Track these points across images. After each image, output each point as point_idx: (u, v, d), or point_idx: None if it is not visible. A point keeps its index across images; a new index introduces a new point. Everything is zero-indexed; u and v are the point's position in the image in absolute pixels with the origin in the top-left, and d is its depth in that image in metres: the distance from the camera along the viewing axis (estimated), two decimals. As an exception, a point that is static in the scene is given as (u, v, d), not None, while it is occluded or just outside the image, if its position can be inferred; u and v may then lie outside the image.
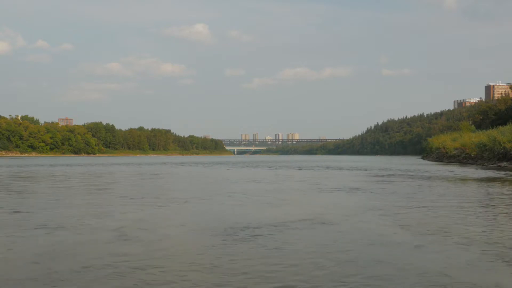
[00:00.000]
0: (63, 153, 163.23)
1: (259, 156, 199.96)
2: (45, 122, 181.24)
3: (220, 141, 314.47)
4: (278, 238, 6.50)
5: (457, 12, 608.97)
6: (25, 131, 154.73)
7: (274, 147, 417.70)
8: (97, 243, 6.17)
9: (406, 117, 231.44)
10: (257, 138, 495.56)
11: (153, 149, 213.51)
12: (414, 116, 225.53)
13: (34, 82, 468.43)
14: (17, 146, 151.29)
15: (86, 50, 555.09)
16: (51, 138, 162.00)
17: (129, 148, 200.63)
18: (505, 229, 7.23)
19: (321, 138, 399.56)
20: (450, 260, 5.28)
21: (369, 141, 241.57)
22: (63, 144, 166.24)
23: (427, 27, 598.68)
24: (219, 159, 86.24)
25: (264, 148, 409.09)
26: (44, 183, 18.31)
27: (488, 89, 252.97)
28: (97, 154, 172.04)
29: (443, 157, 52.78)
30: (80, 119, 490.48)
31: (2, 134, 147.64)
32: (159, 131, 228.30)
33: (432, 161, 55.70)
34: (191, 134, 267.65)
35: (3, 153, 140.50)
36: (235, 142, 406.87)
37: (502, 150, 35.43)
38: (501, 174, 23.20)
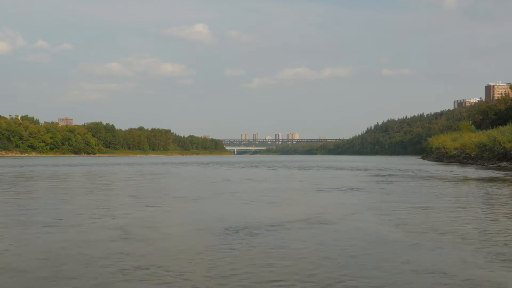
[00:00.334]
0: (63, 153, 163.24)
1: (259, 156, 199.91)
2: (45, 122, 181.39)
3: (220, 141, 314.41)
4: (278, 237, 6.57)
5: (457, 12, 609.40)
6: (25, 131, 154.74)
7: (274, 147, 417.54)
8: (101, 241, 6.26)
9: (406, 117, 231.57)
10: (257, 138, 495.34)
11: (153, 149, 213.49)
12: (414, 116, 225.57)
13: (34, 82, 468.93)
14: (17, 146, 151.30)
15: (86, 50, 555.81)
16: (51, 138, 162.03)
17: (129, 148, 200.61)
18: (502, 228, 7.30)
19: (321, 138, 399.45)
20: (446, 258, 5.35)
21: (369, 141, 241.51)
22: (63, 144, 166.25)
23: (427, 27, 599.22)
24: (219, 159, 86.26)
25: (264, 148, 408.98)
26: (49, 182, 18.38)
27: (488, 89, 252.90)
28: (97, 154, 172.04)
29: (443, 157, 52.82)
30: (80, 119, 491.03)
31: (2, 134, 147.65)
32: (159, 131, 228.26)
33: (432, 161, 55.75)
34: (191, 134, 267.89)
35: (3, 153, 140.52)
36: (235, 142, 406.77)
37: (502, 150, 35.47)
38: (501, 174, 23.26)
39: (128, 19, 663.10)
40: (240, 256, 5.45)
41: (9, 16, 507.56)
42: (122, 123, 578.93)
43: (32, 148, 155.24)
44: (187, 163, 51.02)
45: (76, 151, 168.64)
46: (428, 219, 8.21)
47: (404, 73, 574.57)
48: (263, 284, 4.42)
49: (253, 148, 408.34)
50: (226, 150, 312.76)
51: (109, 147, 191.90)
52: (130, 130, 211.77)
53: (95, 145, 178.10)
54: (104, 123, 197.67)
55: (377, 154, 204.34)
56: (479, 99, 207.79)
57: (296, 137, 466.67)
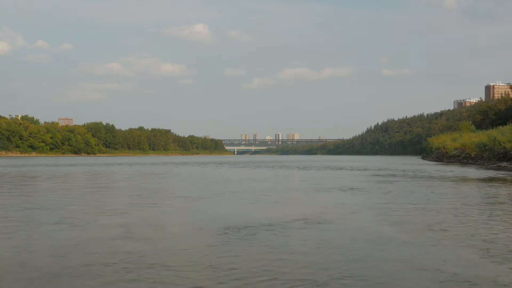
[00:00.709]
0: (63, 153, 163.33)
1: (259, 156, 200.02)
2: (45, 122, 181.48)
3: (220, 141, 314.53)
4: (278, 237, 6.61)
5: (457, 12, 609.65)
6: (25, 131, 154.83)
7: (274, 147, 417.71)
8: (104, 240, 6.33)
9: (406, 117, 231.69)
10: (257, 138, 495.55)
11: (153, 149, 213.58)
12: (414, 116, 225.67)
13: (34, 82, 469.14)
14: (17, 146, 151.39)
15: (86, 50, 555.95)
16: (51, 138, 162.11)
17: (129, 148, 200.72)
18: (501, 227, 7.34)
19: (321, 138, 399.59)
20: (445, 257, 5.40)
21: (369, 141, 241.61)
22: (63, 144, 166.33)
23: (427, 27, 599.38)
24: (219, 159, 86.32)
25: (264, 148, 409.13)
26: (51, 182, 18.42)
27: (488, 89, 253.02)
28: (97, 154, 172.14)
29: (443, 157, 52.87)
30: (80, 119, 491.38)
31: (2, 134, 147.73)
32: (159, 131, 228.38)
33: (432, 161, 55.79)
34: (191, 134, 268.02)
35: (3, 153, 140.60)
36: (235, 142, 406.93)
37: (502, 150, 35.51)
38: (501, 174, 23.30)
39: (128, 19, 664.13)
40: (241, 255, 5.49)
41: (9, 16, 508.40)
42: (122, 123, 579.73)
43: (32, 148, 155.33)
44: (187, 163, 51.07)
45: (76, 151, 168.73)
46: (428, 219, 8.25)
47: (404, 73, 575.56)
48: (263, 283, 4.46)
49: (253, 148, 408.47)
50: (226, 150, 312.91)
51: (109, 147, 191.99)
52: (130, 130, 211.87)
53: (95, 145, 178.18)
54: (104, 123, 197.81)
55: (377, 154, 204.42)
56: (479, 99, 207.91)
57: (296, 137, 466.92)
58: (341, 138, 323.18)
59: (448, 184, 16.86)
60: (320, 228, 7.32)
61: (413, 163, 49.24)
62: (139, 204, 10.58)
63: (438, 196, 12.35)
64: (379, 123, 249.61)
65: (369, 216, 8.67)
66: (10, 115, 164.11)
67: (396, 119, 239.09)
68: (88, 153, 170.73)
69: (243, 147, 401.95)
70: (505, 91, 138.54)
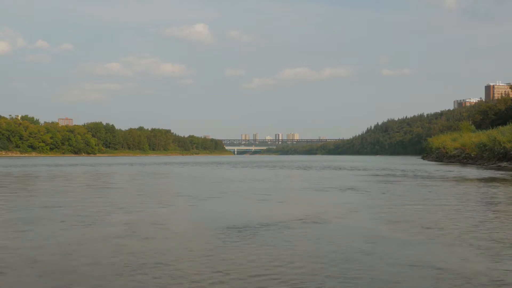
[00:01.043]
0: (63, 153, 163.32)
1: (259, 156, 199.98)
2: (45, 122, 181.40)
3: (220, 141, 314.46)
4: (279, 236, 6.71)
5: (457, 12, 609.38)
6: (25, 131, 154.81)
7: (274, 147, 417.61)
8: (109, 238, 6.44)
9: (406, 117, 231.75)
10: (257, 138, 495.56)
11: (153, 149, 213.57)
12: (414, 116, 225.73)
13: (34, 82, 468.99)
14: (17, 146, 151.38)
15: (86, 50, 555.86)
16: (51, 138, 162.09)
17: (129, 148, 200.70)
18: (500, 226, 7.43)
19: (321, 138, 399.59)
20: (442, 254, 5.49)
21: (369, 141, 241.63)
22: (63, 144, 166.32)
23: (427, 27, 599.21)
24: (219, 159, 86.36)
25: (264, 148, 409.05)
26: (54, 182, 18.51)
27: (488, 89, 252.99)
28: (97, 154, 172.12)
29: (443, 157, 52.93)
30: (80, 119, 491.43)
31: (2, 134, 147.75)
32: (159, 131, 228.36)
33: (432, 161, 55.85)
34: (191, 134, 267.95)
35: (3, 153, 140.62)
36: (235, 142, 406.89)
37: (502, 150, 35.59)
38: (501, 174, 23.37)
39: (128, 19, 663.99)
40: (241, 254, 5.58)
41: (9, 16, 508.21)
42: (122, 123, 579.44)
43: (32, 148, 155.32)
44: (187, 163, 51.13)
45: (76, 151, 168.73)
46: (427, 218, 8.33)
47: (404, 73, 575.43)
48: (263, 282, 4.54)
49: (253, 148, 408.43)
50: (226, 150, 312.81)
51: (109, 147, 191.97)
52: (130, 130, 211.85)
53: (95, 145, 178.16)
54: (104, 123, 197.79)
55: (377, 154, 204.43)
56: (479, 99, 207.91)
57: (296, 137, 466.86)
58: (341, 138, 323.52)
59: (448, 184, 16.93)
60: (320, 228, 7.41)
61: (413, 163, 49.30)
62: (141, 203, 10.67)
63: (437, 196, 12.42)
64: (379, 123, 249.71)
65: (369, 215, 8.76)
66: (10, 115, 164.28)
67: (396, 119, 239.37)
68: (88, 153, 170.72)
69: (243, 147, 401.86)
70: (505, 91, 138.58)
